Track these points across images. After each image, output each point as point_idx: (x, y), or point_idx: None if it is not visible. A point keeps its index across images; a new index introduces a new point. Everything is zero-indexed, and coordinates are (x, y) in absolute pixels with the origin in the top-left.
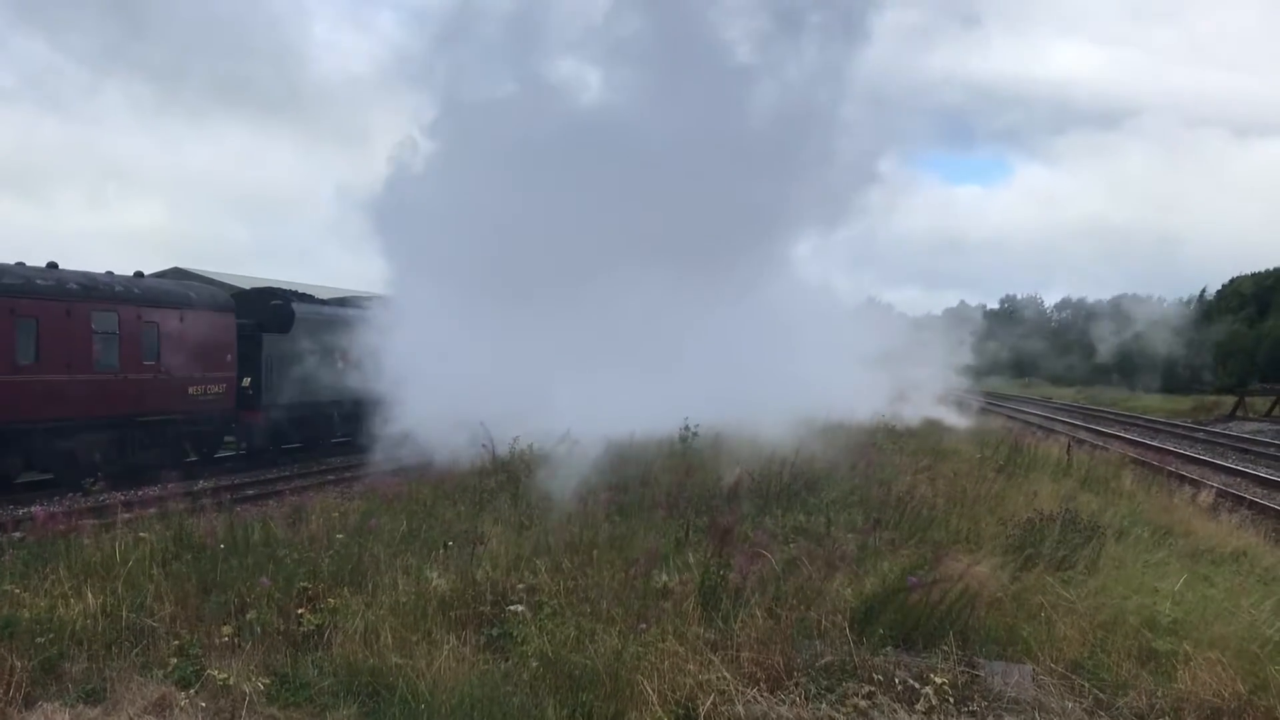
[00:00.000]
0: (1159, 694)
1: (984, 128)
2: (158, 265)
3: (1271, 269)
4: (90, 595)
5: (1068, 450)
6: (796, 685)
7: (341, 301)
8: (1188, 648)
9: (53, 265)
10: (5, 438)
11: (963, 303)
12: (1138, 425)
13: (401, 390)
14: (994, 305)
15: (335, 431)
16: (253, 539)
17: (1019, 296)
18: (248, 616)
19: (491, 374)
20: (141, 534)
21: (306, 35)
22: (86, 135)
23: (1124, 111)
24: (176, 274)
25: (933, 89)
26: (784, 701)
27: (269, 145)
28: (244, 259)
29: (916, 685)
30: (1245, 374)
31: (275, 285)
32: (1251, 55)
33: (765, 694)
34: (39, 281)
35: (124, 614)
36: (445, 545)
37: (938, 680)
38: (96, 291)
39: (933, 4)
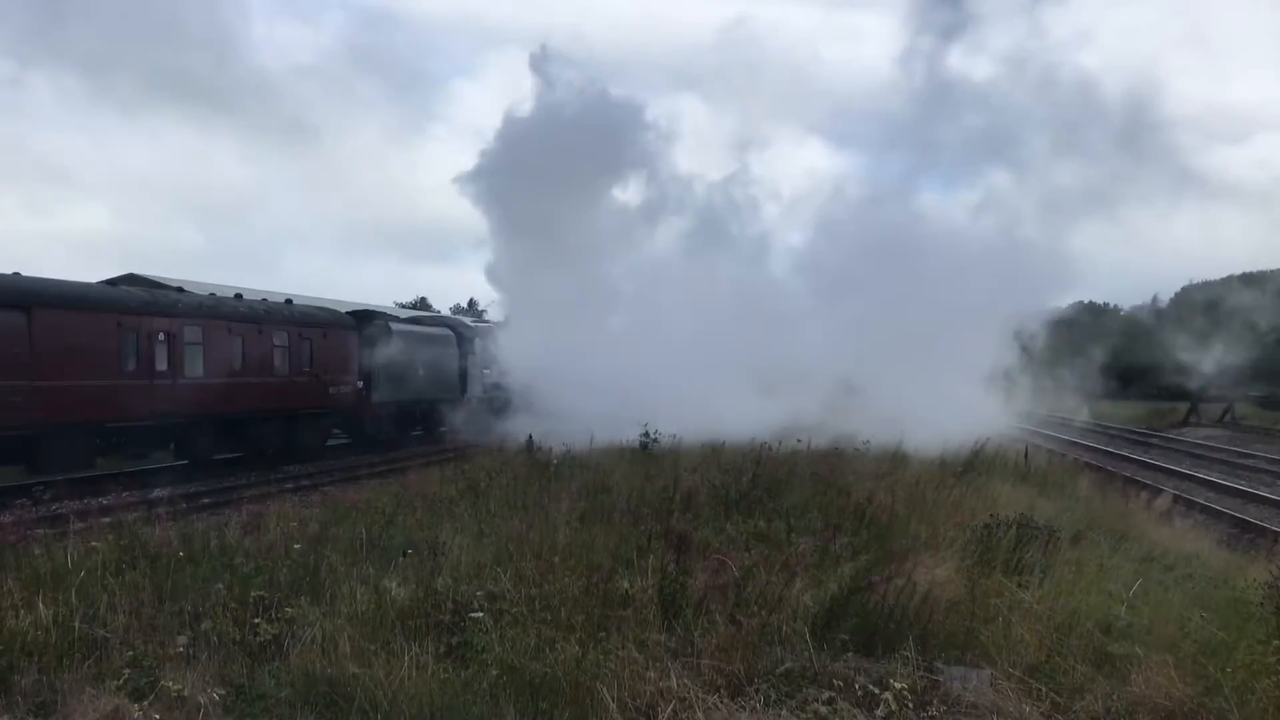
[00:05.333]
0: (1114, 697)
1: None
2: (109, 271)
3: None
4: (41, 605)
5: (1025, 456)
6: (757, 691)
7: (416, 320)
8: (1141, 651)
9: (16, 275)
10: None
11: None
12: None
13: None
14: None
15: (416, 425)
16: (209, 547)
17: None
18: (203, 626)
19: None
20: (93, 543)
21: (247, 26)
22: (16, 132)
23: None
24: (130, 280)
25: None
26: (744, 708)
27: (213, 143)
28: (197, 264)
29: (876, 690)
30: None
31: (370, 308)
32: None
33: (726, 700)
34: (241, 309)
35: (76, 624)
36: (405, 553)
37: (897, 685)
38: (272, 315)
39: None
